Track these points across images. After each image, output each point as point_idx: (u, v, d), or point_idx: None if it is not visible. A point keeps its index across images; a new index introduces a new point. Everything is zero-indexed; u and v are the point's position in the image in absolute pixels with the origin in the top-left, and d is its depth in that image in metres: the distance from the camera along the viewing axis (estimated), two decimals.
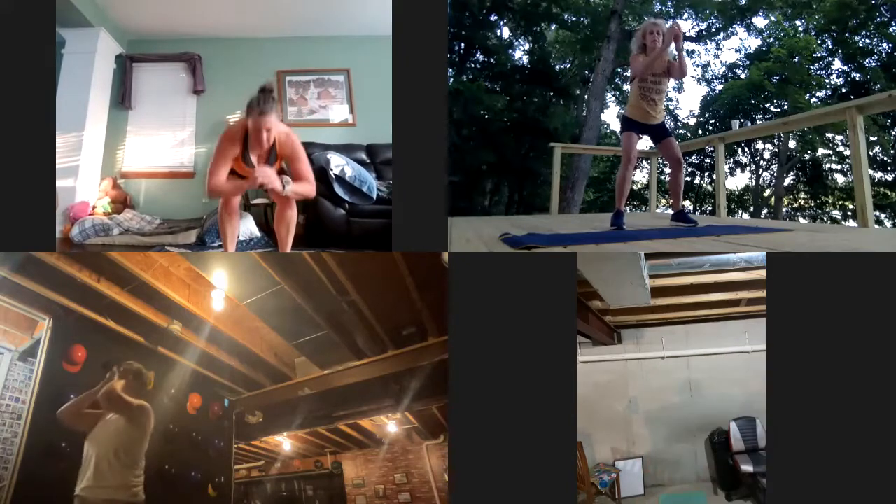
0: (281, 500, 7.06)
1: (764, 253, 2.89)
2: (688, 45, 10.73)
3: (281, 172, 3.44)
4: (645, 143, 4.28)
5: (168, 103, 5.97)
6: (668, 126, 4.19)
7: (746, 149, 10.96)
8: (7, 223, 2.86)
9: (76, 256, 3.33)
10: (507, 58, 10.44)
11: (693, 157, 10.73)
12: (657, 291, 3.86)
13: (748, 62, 10.49)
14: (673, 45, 3.87)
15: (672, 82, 3.96)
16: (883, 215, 9.73)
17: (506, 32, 10.60)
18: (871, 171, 5.06)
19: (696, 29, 10.73)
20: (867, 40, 9.76)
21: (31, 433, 2.85)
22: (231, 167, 3.34)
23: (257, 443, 6.13)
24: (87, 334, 3.27)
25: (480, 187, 10.58)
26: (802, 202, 10.92)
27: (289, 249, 3.57)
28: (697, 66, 10.93)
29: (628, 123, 4.06)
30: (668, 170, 4.48)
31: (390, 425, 5.95)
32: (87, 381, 3.20)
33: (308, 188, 3.42)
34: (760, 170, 11.09)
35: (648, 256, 3.01)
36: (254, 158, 3.33)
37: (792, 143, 10.77)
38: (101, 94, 5.44)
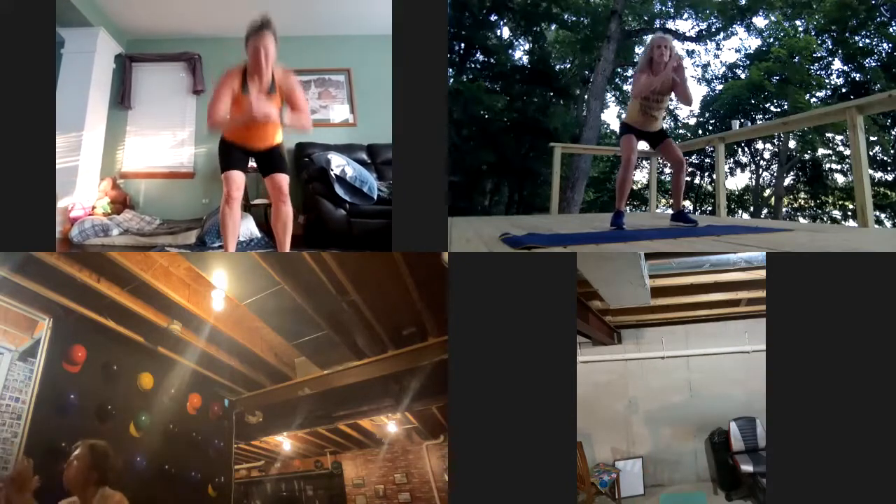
0: (281, 500, 7.06)
1: (764, 253, 2.89)
2: (688, 45, 10.75)
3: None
4: (644, 144, 4.29)
5: (168, 103, 5.97)
6: (665, 129, 4.21)
7: (746, 149, 10.97)
8: (7, 223, 2.86)
9: (76, 256, 3.33)
10: (507, 58, 10.44)
11: (693, 157, 10.73)
12: (657, 291, 3.86)
13: (748, 62, 10.50)
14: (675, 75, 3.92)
15: (673, 93, 4.02)
16: (883, 215, 9.74)
17: (506, 32, 10.62)
18: (871, 171, 5.07)
19: (696, 29, 10.74)
20: (867, 40, 9.77)
21: (31, 433, 2.85)
22: (232, 111, 3.35)
23: (257, 443, 6.13)
24: (87, 334, 3.27)
25: (480, 187, 10.58)
26: (802, 202, 10.92)
27: (287, 249, 3.57)
28: (697, 66, 10.94)
29: (627, 128, 4.09)
30: (668, 170, 4.50)
31: (390, 425, 5.95)
32: (88, 381, 3.22)
33: (305, 119, 3.47)
34: (760, 170, 11.09)
35: (648, 256, 3.01)
36: (253, 91, 3.34)
37: (792, 143, 10.78)
38: (101, 94, 5.44)
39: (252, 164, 3.58)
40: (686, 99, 4.04)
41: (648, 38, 4.17)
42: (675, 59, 3.93)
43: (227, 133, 3.42)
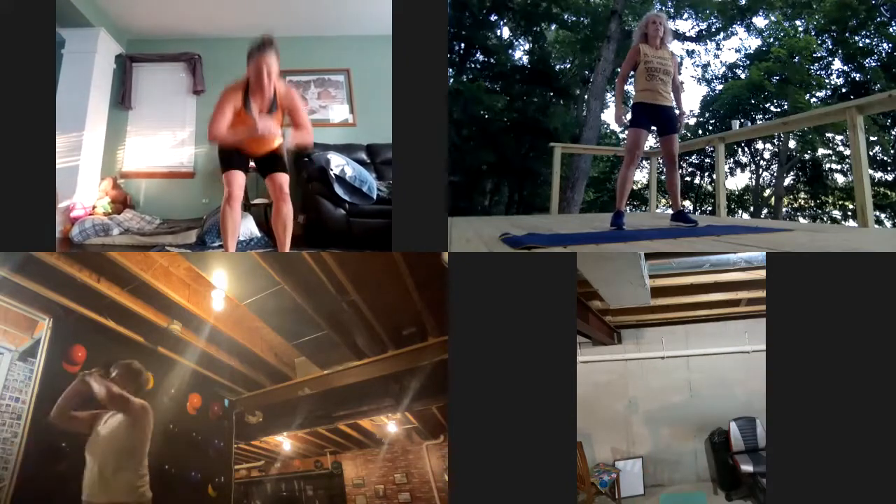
0: (281, 500, 7.05)
1: (764, 253, 2.89)
2: (688, 45, 10.75)
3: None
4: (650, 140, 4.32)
5: (168, 103, 5.97)
6: (676, 120, 4.20)
7: (746, 149, 10.96)
8: (7, 223, 2.86)
9: (76, 256, 3.33)
10: (507, 58, 10.43)
11: (693, 157, 10.73)
12: (657, 291, 3.86)
13: (748, 62, 10.49)
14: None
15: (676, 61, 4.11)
16: (883, 215, 9.73)
17: (506, 32, 10.61)
18: (871, 171, 5.06)
19: (696, 29, 10.73)
20: (867, 40, 9.76)
21: (31, 433, 2.85)
22: (233, 123, 3.36)
23: (257, 443, 6.13)
24: (87, 334, 3.27)
25: (480, 187, 10.57)
26: (802, 202, 10.92)
27: (287, 248, 3.57)
28: (697, 66, 10.93)
29: (639, 112, 4.06)
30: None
31: (390, 425, 5.95)
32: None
33: (307, 136, 3.48)
34: (760, 170, 11.09)
35: (648, 256, 3.01)
36: (255, 108, 3.36)
37: (792, 143, 10.77)
38: (101, 95, 5.44)
39: (252, 164, 3.60)
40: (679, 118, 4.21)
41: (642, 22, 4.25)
42: (675, 81, 4.10)
43: (228, 145, 3.43)
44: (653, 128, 4.15)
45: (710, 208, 10.45)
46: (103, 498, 2.48)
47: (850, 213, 10.03)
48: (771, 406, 2.74)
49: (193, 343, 3.98)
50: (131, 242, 4.82)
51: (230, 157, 3.45)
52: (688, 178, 10.81)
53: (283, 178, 3.52)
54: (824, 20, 9.90)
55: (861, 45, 9.76)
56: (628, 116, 4.14)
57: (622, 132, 9.71)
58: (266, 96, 3.36)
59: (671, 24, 4.26)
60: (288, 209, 3.51)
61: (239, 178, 3.46)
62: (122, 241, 4.83)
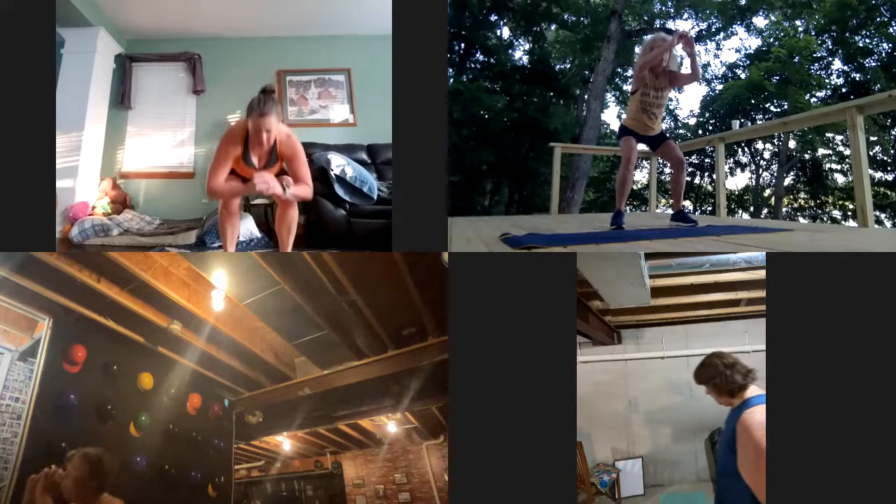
0: (281, 500, 7.06)
1: (764, 253, 2.89)
2: None
3: (281, 173, 3.44)
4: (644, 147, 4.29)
5: (168, 103, 5.96)
6: (664, 130, 4.20)
7: (746, 149, 10.97)
8: (7, 223, 2.86)
9: (76, 256, 3.33)
10: (507, 58, 10.44)
11: (693, 157, 10.73)
12: (657, 291, 3.86)
13: (748, 62, 10.50)
14: (683, 51, 3.88)
15: (673, 93, 4.01)
16: (883, 215, 9.74)
17: (506, 32, 10.62)
18: (871, 171, 5.07)
19: (696, 29, 10.73)
20: (867, 40, 9.77)
21: (31, 433, 2.85)
22: (232, 167, 3.34)
23: (257, 443, 6.13)
24: (87, 334, 3.27)
25: (480, 187, 10.58)
26: (802, 202, 10.93)
27: (289, 249, 3.57)
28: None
29: (626, 132, 4.08)
30: (668, 170, 4.50)
31: (390, 425, 5.95)
32: (88, 381, 3.22)
33: (306, 191, 3.42)
34: (760, 170, 11.10)
35: (648, 256, 3.02)
36: (254, 159, 3.33)
37: (792, 143, 10.78)
38: (101, 94, 5.44)
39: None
40: (695, 75, 4.01)
41: (648, 37, 4.14)
42: (686, 33, 3.91)
43: None
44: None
45: (710, 208, 10.46)
46: None
47: (850, 213, 10.03)
48: (771, 406, 2.74)
49: (193, 343, 3.98)
50: (131, 243, 4.81)
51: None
52: (688, 178, 10.81)
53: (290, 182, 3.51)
54: (824, 20, 9.91)
55: (861, 45, 9.77)
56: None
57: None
58: (265, 150, 3.32)
59: (671, 24, 4.23)
60: (294, 213, 3.49)
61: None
62: (121, 241, 4.83)
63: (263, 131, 3.21)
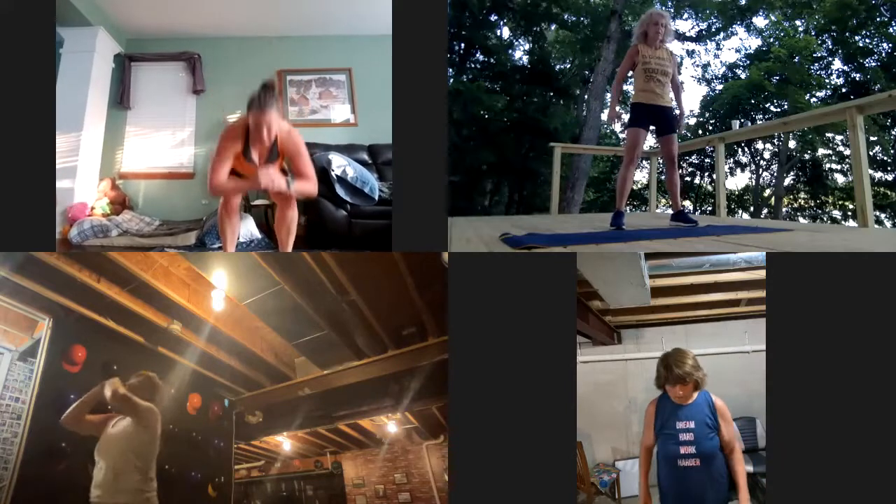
0: (281, 500, 7.06)
1: (764, 253, 2.89)
2: (688, 45, 10.75)
3: (283, 172, 3.43)
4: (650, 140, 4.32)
5: (167, 103, 5.95)
6: (675, 120, 4.19)
7: (746, 149, 10.96)
8: (7, 223, 2.86)
9: (76, 257, 3.33)
10: (507, 58, 10.44)
11: (693, 157, 10.74)
12: (657, 291, 3.85)
13: (748, 62, 10.50)
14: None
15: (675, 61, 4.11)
16: (883, 215, 9.73)
17: (506, 32, 10.61)
18: (871, 171, 5.07)
19: (696, 29, 10.74)
20: (867, 40, 9.76)
21: (31, 433, 2.85)
22: (233, 166, 3.33)
23: (257, 443, 6.13)
24: (87, 334, 3.27)
25: (480, 187, 10.57)
26: (802, 202, 10.92)
27: (289, 250, 3.56)
28: (697, 66, 10.94)
29: (637, 112, 4.05)
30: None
31: (390, 425, 5.95)
32: (88, 381, 3.21)
33: (310, 186, 3.39)
34: (760, 170, 11.09)
35: (648, 256, 3.01)
36: (255, 156, 3.30)
37: (792, 143, 10.78)
38: (100, 94, 5.43)
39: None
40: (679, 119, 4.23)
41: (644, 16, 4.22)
42: (675, 81, 4.11)
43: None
44: (652, 127, 4.15)
45: (710, 208, 10.45)
46: (110, 499, 2.49)
47: (850, 213, 10.03)
48: (771, 406, 2.74)
49: (193, 343, 3.98)
50: (130, 244, 4.80)
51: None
52: (688, 178, 10.83)
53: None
54: (824, 20, 9.90)
55: (861, 45, 9.76)
56: (624, 117, 4.16)
57: (622, 132, 9.72)
58: (266, 146, 3.28)
59: (672, 24, 4.22)
60: (294, 214, 3.46)
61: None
62: (120, 242, 4.82)
63: (264, 127, 3.18)
